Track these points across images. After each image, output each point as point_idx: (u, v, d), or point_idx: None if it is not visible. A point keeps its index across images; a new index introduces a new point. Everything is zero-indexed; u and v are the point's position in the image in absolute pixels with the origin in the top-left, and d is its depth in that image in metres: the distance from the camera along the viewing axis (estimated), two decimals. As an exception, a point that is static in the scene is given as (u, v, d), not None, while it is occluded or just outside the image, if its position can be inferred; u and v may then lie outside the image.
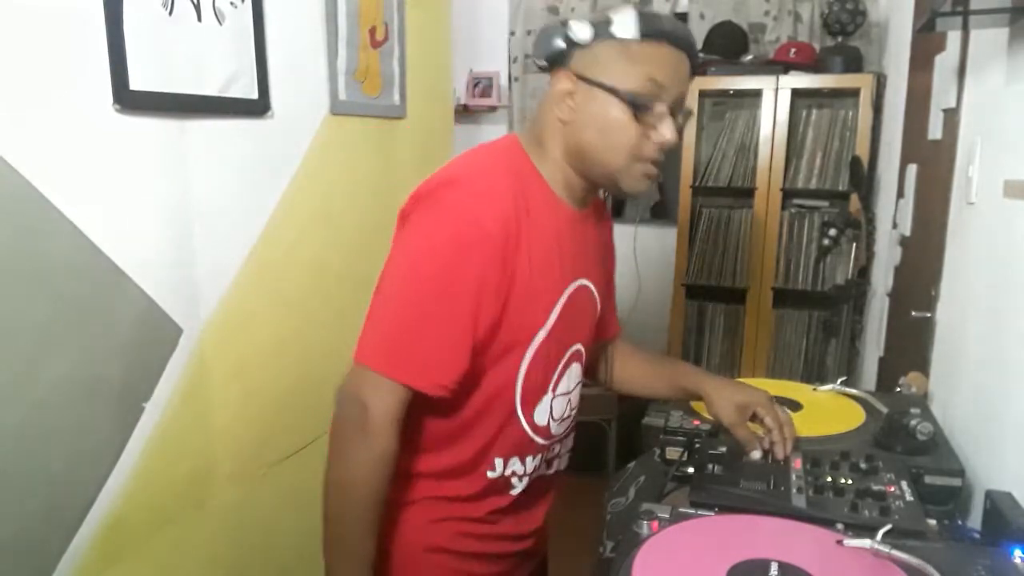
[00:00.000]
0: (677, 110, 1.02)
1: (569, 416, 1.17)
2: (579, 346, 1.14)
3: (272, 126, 1.80)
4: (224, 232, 1.68)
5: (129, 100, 1.40)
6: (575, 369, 1.15)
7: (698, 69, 1.13)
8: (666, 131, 1.00)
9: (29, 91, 1.24)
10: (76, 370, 1.34)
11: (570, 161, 1.05)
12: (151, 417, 1.51)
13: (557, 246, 1.04)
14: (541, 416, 1.10)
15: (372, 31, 2.19)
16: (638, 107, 0.98)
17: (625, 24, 0.97)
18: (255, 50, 1.72)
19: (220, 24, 1.61)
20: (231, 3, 1.64)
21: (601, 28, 0.99)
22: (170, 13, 1.48)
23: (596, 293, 1.17)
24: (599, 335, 1.25)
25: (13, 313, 1.22)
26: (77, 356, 1.34)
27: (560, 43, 1.01)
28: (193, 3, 1.53)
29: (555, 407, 1.12)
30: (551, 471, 1.20)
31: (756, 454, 1.10)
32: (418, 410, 1.02)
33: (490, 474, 1.10)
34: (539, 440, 1.12)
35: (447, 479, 1.09)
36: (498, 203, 0.97)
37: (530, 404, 1.08)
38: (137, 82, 1.41)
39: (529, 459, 1.12)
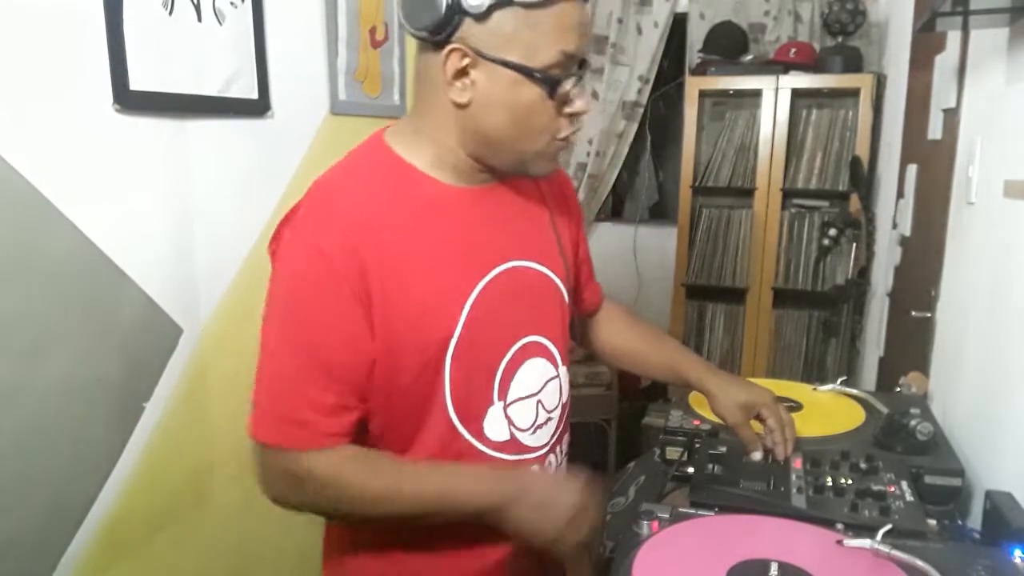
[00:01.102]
0: (584, 71, 0.90)
1: (548, 421, 1.00)
2: (534, 338, 0.98)
3: (272, 126, 1.80)
4: (224, 232, 1.68)
5: (129, 100, 1.40)
6: (536, 365, 0.98)
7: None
8: (580, 102, 0.89)
9: (29, 91, 1.24)
10: (76, 370, 1.34)
11: (466, 147, 0.91)
12: (151, 417, 1.51)
13: (450, 237, 0.91)
14: (496, 431, 0.95)
15: (372, 31, 2.19)
16: (552, 85, 0.85)
17: None
18: (255, 50, 1.72)
19: (220, 24, 1.61)
20: (231, 3, 1.64)
21: None
22: (170, 13, 1.48)
23: (547, 270, 1.00)
24: (579, 310, 1.16)
25: (13, 313, 1.22)
26: (77, 356, 1.34)
27: (444, 10, 0.82)
28: (193, 3, 1.53)
29: (515, 416, 0.96)
30: None
31: (757, 455, 1.07)
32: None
33: None
34: (509, 457, 0.96)
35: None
36: (344, 224, 0.86)
37: (473, 420, 0.93)
38: (137, 82, 1.41)
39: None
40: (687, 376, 1.15)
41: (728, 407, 1.09)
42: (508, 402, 0.95)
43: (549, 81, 0.85)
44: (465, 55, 0.84)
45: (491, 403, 0.94)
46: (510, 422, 0.96)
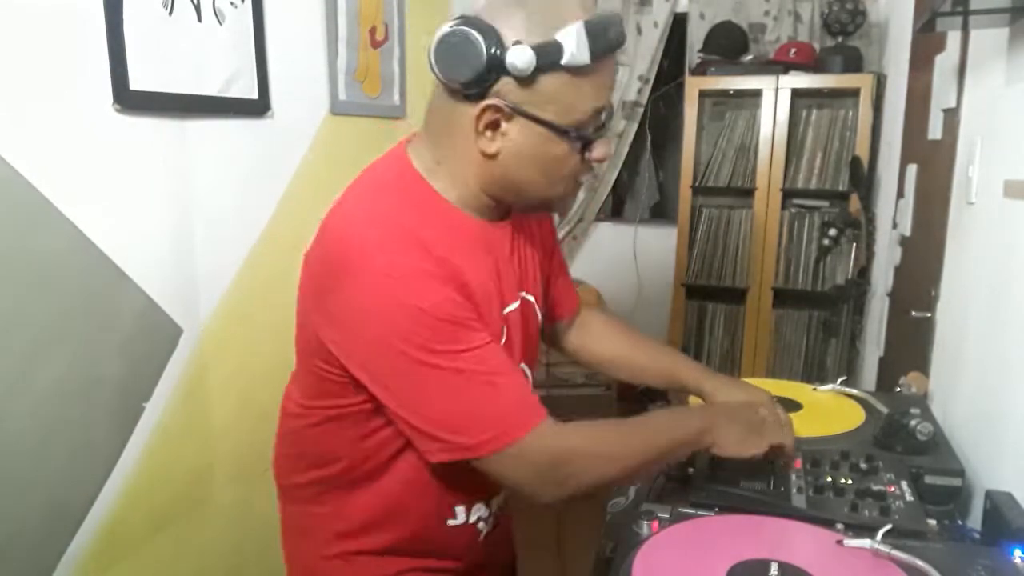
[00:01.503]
0: (608, 119, 0.91)
1: None
2: (524, 366, 1.03)
3: (272, 126, 1.80)
4: (224, 232, 1.68)
5: (129, 100, 1.40)
6: None
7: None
8: (602, 150, 0.90)
9: (29, 91, 1.24)
10: (76, 370, 1.34)
11: (489, 190, 0.92)
12: (151, 417, 1.51)
13: (486, 266, 0.93)
14: None
15: (372, 31, 2.19)
16: (584, 142, 0.87)
17: (577, 50, 0.80)
18: (255, 50, 1.72)
19: (220, 24, 1.61)
20: (231, 3, 1.64)
21: (545, 57, 0.80)
22: (170, 13, 1.48)
23: (536, 303, 1.06)
24: (557, 315, 1.20)
25: (13, 313, 1.23)
26: (77, 356, 1.34)
27: (485, 67, 0.81)
28: (193, 3, 1.53)
29: None
30: (506, 512, 1.12)
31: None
32: (361, 480, 0.97)
33: (450, 522, 1.01)
34: None
35: (399, 536, 1.00)
36: (421, 247, 0.85)
37: None
38: (137, 82, 1.41)
39: (495, 500, 1.05)
40: (684, 380, 1.16)
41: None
42: None
43: (581, 138, 0.87)
44: (500, 110, 0.84)
45: None
46: None
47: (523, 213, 1.01)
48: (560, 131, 0.85)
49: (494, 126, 0.85)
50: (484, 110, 0.84)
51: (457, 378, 0.84)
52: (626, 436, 0.94)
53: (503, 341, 0.95)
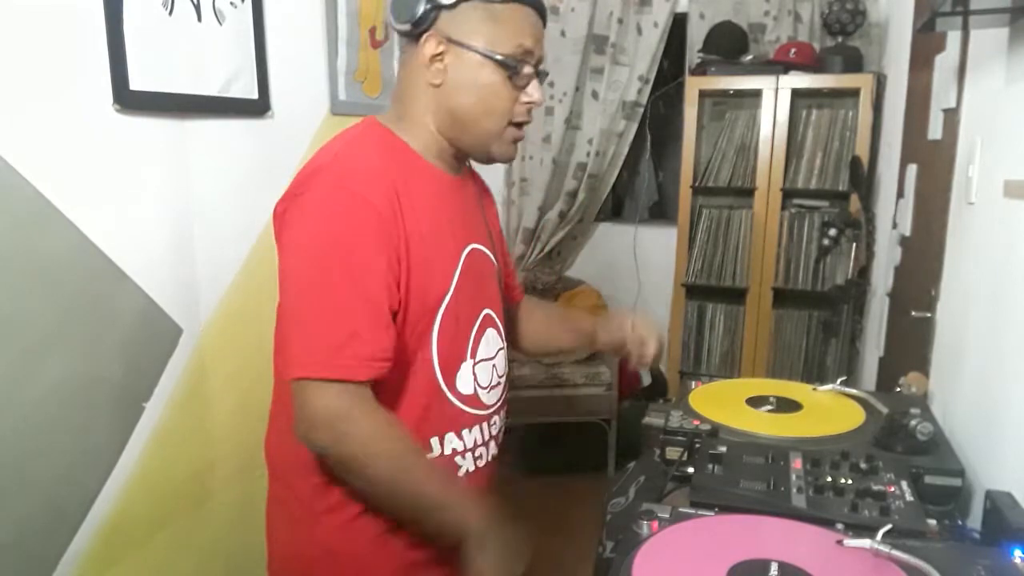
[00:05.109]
0: (540, 71, 1.05)
1: (499, 384, 1.15)
2: (489, 311, 1.13)
3: (272, 126, 1.80)
4: (224, 232, 1.68)
5: (129, 100, 1.40)
6: (491, 335, 1.14)
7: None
8: (535, 92, 1.04)
9: (29, 91, 1.24)
10: (76, 370, 1.34)
11: (441, 127, 1.05)
12: (151, 417, 1.51)
13: (442, 212, 1.05)
14: (465, 385, 1.08)
15: (372, 31, 2.19)
16: (512, 70, 1.00)
17: None
18: (255, 50, 1.72)
19: (220, 24, 1.61)
20: (231, 3, 1.64)
21: None
22: (170, 13, 1.48)
23: (492, 256, 1.17)
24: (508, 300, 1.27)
25: (13, 313, 1.22)
26: (77, 356, 1.34)
27: (423, 5, 0.98)
28: (193, 3, 1.53)
29: (479, 374, 1.11)
30: (492, 452, 1.16)
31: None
32: None
33: (427, 456, 1.06)
34: (470, 411, 1.10)
35: None
36: (374, 177, 0.97)
37: (450, 373, 1.06)
38: (137, 82, 1.41)
39: (466, 432, 1.10)
40: (581, 326, 1.34)
41: (602, 334, 1.30)
42: (476, 361, 1.10)
43: (508, 65, 1.00)
44: (440, 41, 1.00)
45: (464, 359, 1.09)
46: (475, 379, 1.10)
47: (478, 161, 1.12)
48: (486, 55, 0.99)
49: (438, 59, 1.01)
50: (426, 41, 1.00)
51: (326, 288, 0.93)
52: (397, 461, 0.96)
53: (455, 280, 1.04)
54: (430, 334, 1.03)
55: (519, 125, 1.06)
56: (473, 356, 1.10)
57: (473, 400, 1.10)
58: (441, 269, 1.04)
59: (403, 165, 1.02)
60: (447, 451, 1.08)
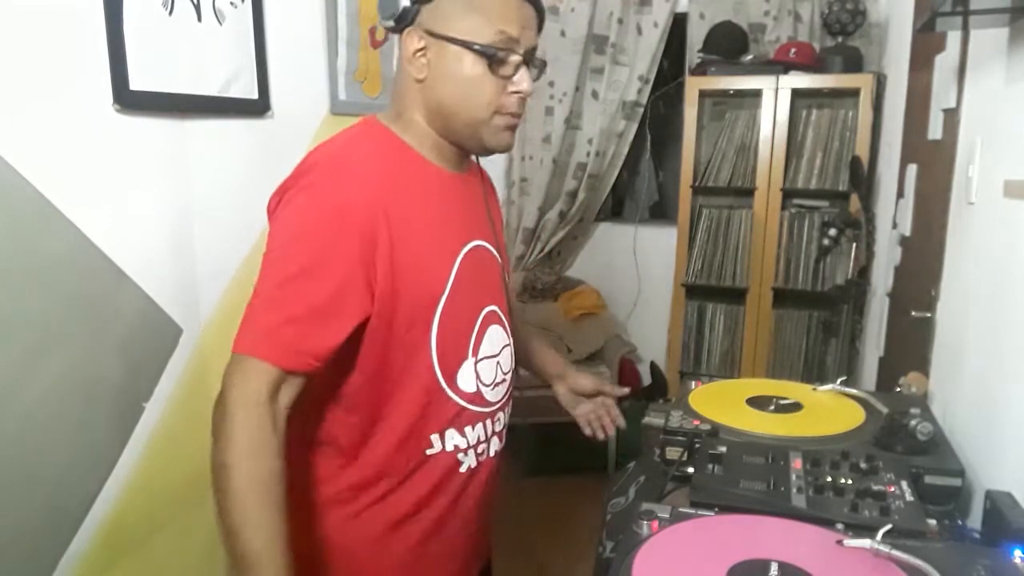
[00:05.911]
0: (531, 61, 1.03)
1: (503, 381, 1.14)
2: (493, 307, 1.12)
3: (272, 126, 1.80)
4: (224, 232, 1.68)
5: (129, 100, 1.40)
6: (495, 332, 1.12)
7: (541, 19, 1.05)
8: (523, 82, 1.01)
9: (29, 91, 1.24)
10: (76, 370, 1.34)
11: (432, 121, 1.04)
12: (151, 417, 1.51)
13: (440, 211, 1.04)
14: (467, 383, 1.07)
15: (372, 31, 2.19)
16: (492, 59, 0.98)
17: None
18: (255, 50, 1.72)
19: (220, 24, 1.61)
20: (231, 3, 1.64)
21: None
22: (170, 13, 1.48)
23: (496, 254, 1.15)
24: None
25: (13, 313, 1.22)
26: (77, 356, 1.34)
27: (404, 1, 0.98)
28: (193, 3, 1.53)
29: (482, 372, 1.09)
30: (496, 448, 1.16)
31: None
32: (336, 401, 1.02)
33: (428, 452, 1.06)
34: (473, 408, 1.08)
35: (383, 468, 1.04)
36: (362, 182, 0.96)
37: (451, 372, 1.05)
38: (137, 82, 1.41)
39: (469, 429, 1.09)
40: (549, 370, 1.39)
41: (563, 396, 1.37)
42: (478, 359, 1.09)
43: (488, 55, 0.98)
44: (421, 36, 1.00)
45: (466, 357, 1.07)
46: (478, 377, 1.09)
47: (475, 153, 1.11)
48: (466, 45, 0.98)
49: (421, 53, 1.00)
50: (407, 36, 1.00)
51: (278, 277, 0.92)
52: (254, 487, 0.88)
53: (452, 280, 1.03)
54: (428, 334, 1.02)
55: (513, 114, 1.04)
56: (475, 354, 1.08)
57: (476, 398, 1.09)
58: (436, 269, 1.02)
59: (399, 164, 1.02)
60: (448, 447, 1.07)
